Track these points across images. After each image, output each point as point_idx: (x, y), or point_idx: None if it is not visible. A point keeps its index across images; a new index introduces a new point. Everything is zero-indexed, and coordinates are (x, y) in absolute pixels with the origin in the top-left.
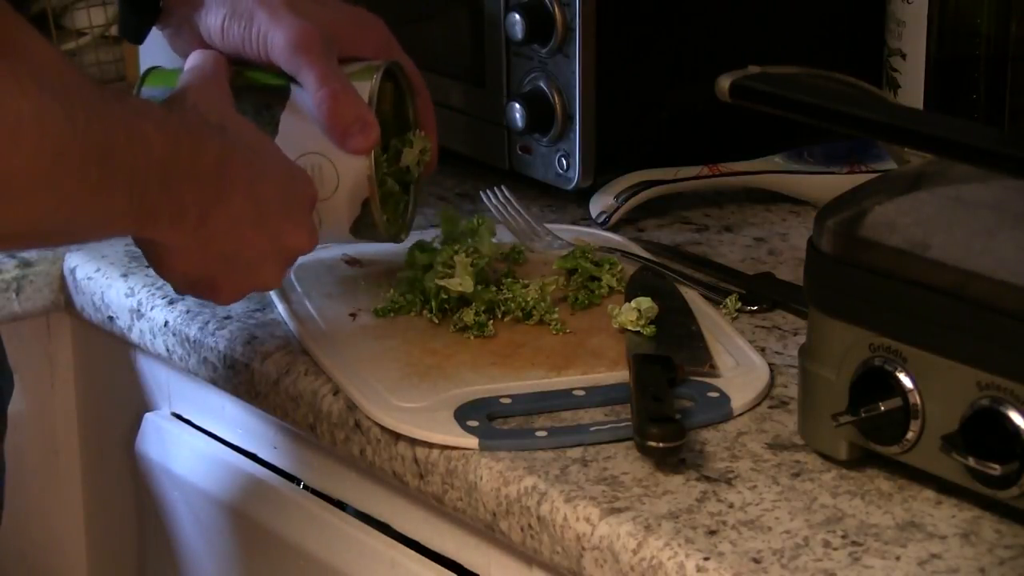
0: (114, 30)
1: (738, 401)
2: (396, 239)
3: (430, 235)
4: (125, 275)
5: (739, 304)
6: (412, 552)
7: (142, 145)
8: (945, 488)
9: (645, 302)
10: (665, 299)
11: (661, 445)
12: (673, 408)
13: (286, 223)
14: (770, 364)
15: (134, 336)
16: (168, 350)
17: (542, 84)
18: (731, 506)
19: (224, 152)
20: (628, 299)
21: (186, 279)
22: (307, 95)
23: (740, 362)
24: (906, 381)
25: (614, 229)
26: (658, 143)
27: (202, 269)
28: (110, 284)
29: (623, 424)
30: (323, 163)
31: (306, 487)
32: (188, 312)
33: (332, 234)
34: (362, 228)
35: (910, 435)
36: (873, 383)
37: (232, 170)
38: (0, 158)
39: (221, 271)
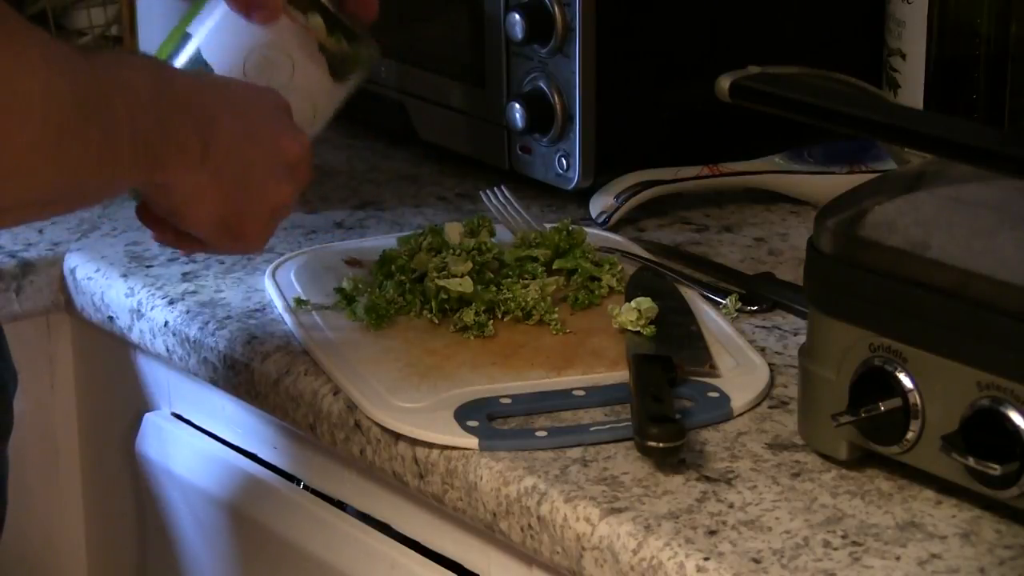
0: (115, 30)
1: (738, 401)
2: (371, 58)
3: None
4: (125, 275)
5: (739, 304)
6: (412, 552)
7: (131, 92)
8: (945, 488)
9: (645, 302)
10: (665, 299)
11: (661, 445)
12: (673, 408)
13: (273, 129)
14: (770, 364)
15: (134, 336)
16: (168, 350)
17: (542, 84)
18: (731, 506)
19: (190, 80)
20: (628, 299)
21: (213, 221)
22: None
23: (740, 362)
24: (906, 381)
25: (614, 229)
26: (658, 143)
27: (223, 203)
28: (110, 284)
29: (623, 424)
30: (266, 52)
31: (306, 487)
32: (188, 312)
33: (322, 98)
34: (338, 68)
35: (910, 435)
36: (873, 383)
37: (206, 96)
38: (11, 134)
39: (239, 201)
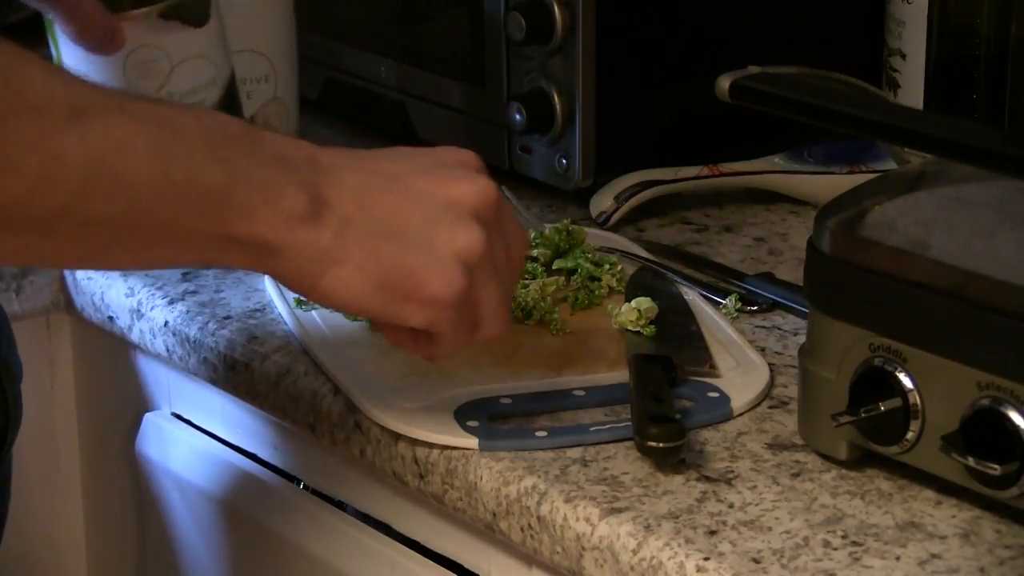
0: None
1: (738, 401)
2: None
3: None
4: (125, 275)
5: (739, 304)
6: (412, 552)
7: (170, 130)
8: (945, 488)
9: (645, 302)
10: (665, 299)
11: (661, 445)
12: (673, 408)
13: (434, 177)
14: (770, 364)
15: (134, 336)
16: (168, 350)
17: (542, 84)
18: (731, 506)
19: (282, 138)
20: (628, 299)
21: (369, 287)
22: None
23: (740, 362)
24: (906, 381)
25: (614, 229)
26: (658, 143)
27: (373, 263)
28: (110, 284)
29: (623, 424)
30: (132, 59)
31: (306, 487)
32: (188, 312)
33: (206, 47)
34: (191, 17)
35: (910, 435)
36: (873, 383)
37: (315, 153)
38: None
39: (396, 256)
